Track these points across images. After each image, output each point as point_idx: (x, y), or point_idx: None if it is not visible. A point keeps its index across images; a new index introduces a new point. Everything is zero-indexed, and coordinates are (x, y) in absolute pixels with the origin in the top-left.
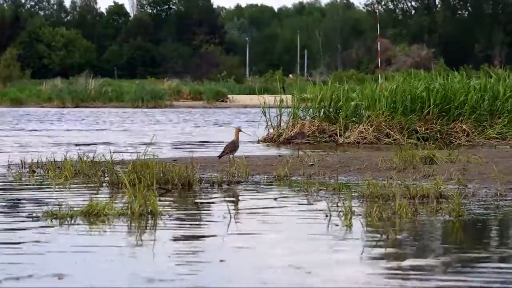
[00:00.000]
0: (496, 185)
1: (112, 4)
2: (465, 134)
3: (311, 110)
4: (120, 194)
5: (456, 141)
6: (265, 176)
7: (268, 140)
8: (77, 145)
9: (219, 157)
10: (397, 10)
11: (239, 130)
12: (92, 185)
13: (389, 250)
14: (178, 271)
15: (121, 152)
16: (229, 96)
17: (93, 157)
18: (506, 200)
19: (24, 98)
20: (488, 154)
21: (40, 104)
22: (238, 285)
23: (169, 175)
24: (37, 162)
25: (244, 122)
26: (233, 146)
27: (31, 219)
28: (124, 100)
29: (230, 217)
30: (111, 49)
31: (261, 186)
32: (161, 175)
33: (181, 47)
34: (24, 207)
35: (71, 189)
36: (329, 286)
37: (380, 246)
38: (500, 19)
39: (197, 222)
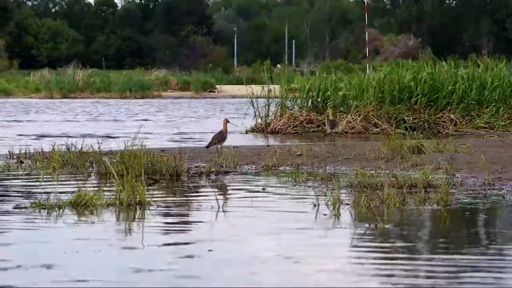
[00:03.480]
0: (484, 175)
1: None
2: (453, 124)
3: (299, 100)
4: (108, 185)
5: (444, 131)
6: (253, 166)
7: (256, 130)
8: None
9: (207, 147)
10: (385, 0)
11: (227, 121)
12: (80, 175)
13: (377, 239)
14: (166, 261)
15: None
16: (217, 86)
17: (81, 148)
18: (494, 189)
19: (12, 89)
20: (476, 143)
21: (28, 95)
22: (226, 275)
23: (157, 166)
24: (25, 152)
25: (232, 112)
26: (221, 136)
27: (19, 209)
28: (111, 90)
29: (218, 207)
30: (99, 40)
31: (249, 176)
32: (149, 165)
33: (169, 37)
34: (12, 197)
35: (59, 180)
36: (317, 276)
37: (368, 236)
38: (488, 8)
39: (185, 212)
